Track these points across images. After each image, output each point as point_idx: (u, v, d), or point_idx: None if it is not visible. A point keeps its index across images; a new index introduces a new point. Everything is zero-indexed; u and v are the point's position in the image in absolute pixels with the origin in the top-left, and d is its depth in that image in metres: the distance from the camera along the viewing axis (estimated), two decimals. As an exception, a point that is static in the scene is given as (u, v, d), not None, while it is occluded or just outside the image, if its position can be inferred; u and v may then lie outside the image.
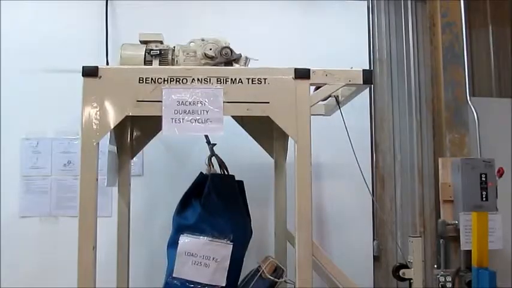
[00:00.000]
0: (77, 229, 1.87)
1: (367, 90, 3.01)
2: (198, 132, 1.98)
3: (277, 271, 2.17)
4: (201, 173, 2.35)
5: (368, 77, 1.98)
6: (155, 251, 2.79)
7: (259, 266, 2.21)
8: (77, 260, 1.86)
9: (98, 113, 1.89)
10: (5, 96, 2.96)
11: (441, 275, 2.67)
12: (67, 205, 2.91)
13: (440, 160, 2.85)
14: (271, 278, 2.14)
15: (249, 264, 2.33)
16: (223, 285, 2.16)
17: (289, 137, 2.55)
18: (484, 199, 2.68)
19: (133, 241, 2.61)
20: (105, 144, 2.41)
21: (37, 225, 2.93)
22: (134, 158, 2.72)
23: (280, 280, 2.15)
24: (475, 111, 2.95)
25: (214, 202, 2.23)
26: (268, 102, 1.92)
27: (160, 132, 2.50)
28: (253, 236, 2.44)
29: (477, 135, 2.92)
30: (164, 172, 2.95)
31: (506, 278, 2.82)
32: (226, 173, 2.44)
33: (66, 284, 2.70)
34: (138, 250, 2.75)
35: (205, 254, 2.16)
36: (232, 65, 2.09)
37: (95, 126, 1.89)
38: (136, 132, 2.61)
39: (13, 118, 2.95)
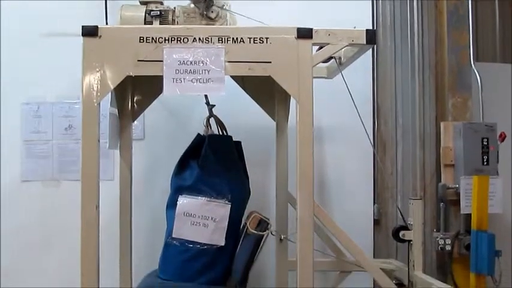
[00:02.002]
0: (79, 193, 1.89)
1: (370, 54, 3.00)
2: (200, 92, 1.98)
3: (262, 224, 2.17)
4: (199, 134, 2.35)
5: (371, 36, 1.96)
6: (156, 213, 2.80)
7: (245, 223, 2.23)
8: (80, 221, 1.88)
9: (98, 73, 1.88)
10: (5, 61, 2.94)
11: (440, 238, 2.70)
12: (69, 169, 2.92)
13: (442, 124, 2.84)
14: (255, 232, 2.14)
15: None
16: (222, 244, 2.18)
17: (291, 99, 2.59)
18: (485, 163, 2.69)
19: (135, 204, 2.63)
20: (106, 108, 2.42)
21: (39, 189, 2.94)
22: (135, 122, 2.72)
23: (265, 233, 2.15)
24: (479, 75, 2.93)
25: (212, 163, 2.24)
26: (270, 62, 1.90)
27: (161, 95, 2.54)
28: (254, 198, 2.46)
29: (480, 100, 2.90)
30: (165, 136, 2.95)
31: (505, 241, 2.85)
32: (224, 134, 2.44)
33: (69, 247, 2.77)
34: (139, 212, 2.78)
35: (203, 214, 2.18)
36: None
37: (95, 87, 1.89)
38: (137, 94, 2.61)
39: (13, 83, 2.94)
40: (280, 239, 2.12)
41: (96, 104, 1.89)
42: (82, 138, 1.89)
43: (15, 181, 2.93)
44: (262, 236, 2.16)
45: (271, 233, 2.22)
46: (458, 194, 2.68)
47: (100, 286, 1.91)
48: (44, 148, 2.95)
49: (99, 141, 1.90)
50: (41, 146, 2.95)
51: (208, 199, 2.19)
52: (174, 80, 1.88)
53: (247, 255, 2.15)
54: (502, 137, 2.72)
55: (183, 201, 2.21)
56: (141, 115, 2.84)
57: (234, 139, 2.44)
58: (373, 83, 3.05)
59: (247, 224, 2.19)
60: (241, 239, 2.22)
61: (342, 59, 2.33)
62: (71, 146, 2.94)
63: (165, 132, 2.96)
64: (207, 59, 1.89)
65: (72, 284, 2.50)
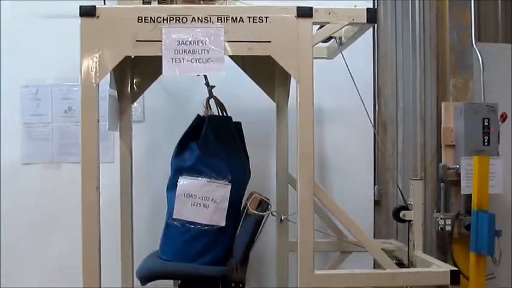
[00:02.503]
0: (80, 175, 1.89)
1: (371, 33, 2.98)
2: (199, 72, 1.97)
3: (262, 205, 2.18)
4: (198, 115, 2.35)
5: (372, 15, 1.95)
6: (157, 195, 2.81)
7: (245, 204, 2.23)
8: (80, 203, 1.89)
9: (97, 53, 1.87)
10: (3, 43, 2.92)
11: (441, 218, 2.70)
12: (69, 151, 2.92)
13: (443, 104, 2.82)
14: (256, 212, 2.15)
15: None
16: (223, 225, 2.20)
17: (291, 80, 2.57)
18: (485, 144, 2.68)
19: (135, 186, 2.64)
20: (106, 90, 2.41)
21: (40, 172, 2.95)
22: (135, 103, 2.71)
23: (265, 213, 2.16)
24: (480, 56, 2.90)
25: (212, 143, 2.24)
26: (270, 42, 1.89)
27: (160, 76, 2.53)
28: (254, 180, 2.46)
29: (481, 80, 2.88)
30: (165, 118, 2.94)
31: (505, 221, 2.85)
32: (224, 115, 2.44)
33: (69, 229, 2.78)
34: (140, 194, 2.78)
35: (204, 195, 2.18)
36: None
37: (94, 67, 1.88)
38: (136, 76, 2.59)
39: (11, 65, 2.92)
40: (281, 220, 2.12)
41: (95, 85, 1.88)
42: (81, 119, 1.89)
43: (15, 164, 2.93)
44: (263, 216, 2.17)
45: (272, 214, 2.22)
46: (458, 175, 2.68)
47: (101, 267, 1.92)
48: (44, 131, 2.94)
49: (98, 121, 1.89)
50: (41, 128, 2.94)
51: (209, 180, 2.20)
52: (173, 60, 1.87)
53: (247, 236, 2.16)
54: (503, 118, 2.71)
55: (183, 182, 2.21)
56: (141, 97, 2.83)
57: (234, 120, 2.43)
58: (374, 64, 3.03)
59: (248, 204, 2.20)
60: (242, 219, 2.22)
61: (343, 38, 2.31)
62: (71, 128, 2.93)
63: (165, 114, 2.95)
64: (206, 39, 1.88)
65: (73, 266, 2.53)
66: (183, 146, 2.32)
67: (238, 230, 2.20)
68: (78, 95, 1.90)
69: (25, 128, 2.94)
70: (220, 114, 2.48)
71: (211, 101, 2.47)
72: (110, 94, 2.44)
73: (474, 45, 2.91)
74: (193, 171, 2.21)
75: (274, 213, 2.19)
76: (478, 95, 2.87)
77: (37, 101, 2.94)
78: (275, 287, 2.71)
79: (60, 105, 2.95)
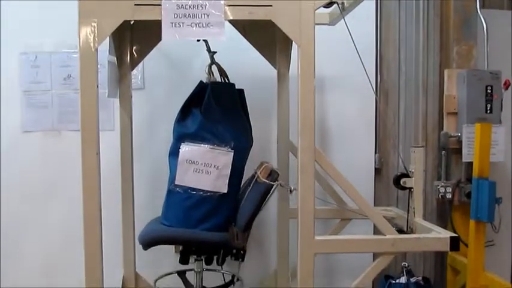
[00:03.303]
0: (80, 143, 1.88)
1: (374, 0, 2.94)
2: (199, 37, 1.94)
3: (272, 175, 2.18)
4: (201, 81, 2.32)
5: (375, -21, 1.91)
6: (158, 163, 2.81)
7: (255, 172, 2.23)
8: (81, 169, 1.88)
9: (95, 18, 1.84)
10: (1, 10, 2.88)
11: (441, 186, 2.70)
12: (69, 119, 2.91)
13: (446, 72, 2.79)
14: (267, 181, 2.15)
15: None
16: (225, 192, 2.20)
17: (292, 47, 2.54)
18: (488, 111, 2.66)
19: (136, 153, 2.63)
20: (105, 57, 2.38)
21: (40, 140, 2.94)
22: (134, 71, 2.68)
23: (275, 183, 2.16)
24: (485, 23, 2.86)
25: (215, 110, 2.22)
26: (271, 6, 1.86)
27: (160, 43, 2.50)
28: (256, 147, 2.45)
29: (485, 48, 2.84)
30: (165, 85, 2.92)
31: (505, 189, 2.86)
32: (226, 81, 2.41)
33: (70, 197, 2.79)
34: (141, 162, 2.79)
35: (206, 161, 2.18)
36: None
37: (92, 32, 1.85)
38: (136, 42, 2.56)
39: (9, 32, 2.88)
40: (290, 191, 2.12)
41: (93, 50, 1.86)
42: (80, 84, 1.86)
43: (15, 132, 2.92)
44: (272, 185, 2.17)
45: (281, 185, 2.22)
46: (460, 143, 2.67)
47: (102, 233, 1.93)
48: (44, 98, 2.92)
49: (97, 87, 1.87)
50: (40, 96, 2.92)
51: (211, 146, 2.19)
52: (173, 24, 1.84)
53: (254, 203, 2.17)
54: (507, 85, 2.69)
55: (185, 148, 2.20)
56: (141, 64, 2.81)
57: (236, 87, 2.41)
58: (376, 31, 2.99)
59: (258, 173, 2.19)
60: (250, 187, 2.22)
61: (345, 4, 2.28)
62: (71, 96, 2.91)
63: (165, 81, 2.92)
64: (206, 3, 1.84)
65: (74, 233, 2.55)
66: (185, 112, 2.30)
67: (244, 197, 2.19)
68: (78, 62, 1.88)
69: (24, 95, 2.92)
70: (223, 81, 2.45)
71: (214, 68, 2.43)
72: (109, 60, 2.41)
73: (478, 11, 2.86)
74: (196, 137, 2.20)
75: (283, 185, 2.19)
76: (481, 63, 2.83)
77: (36, 68, 2.91)
78: (276, 253, 2.73)
79: (60, 73, 2.92)
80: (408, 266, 2.34)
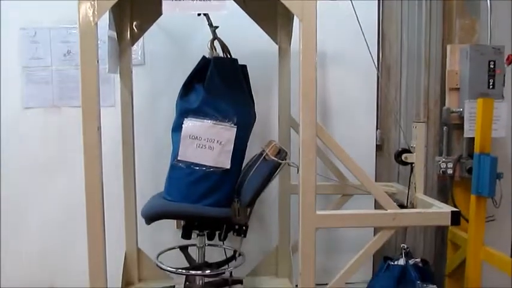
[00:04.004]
0: (81, 119, 1.87)
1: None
2: (200, 11, 1.92)
3: (281, 153, 2.18)
4: (204, 56, 2.30)
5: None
6: (159, 138, 2.82)
7: (263, 150, 2.23)
8: (82, 145, 1.88)
9: (95, -9, 1.82)
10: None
11: (442, 162, 2.70)
12: (70, 95, 2.90)
13: (448, 47, 2.76)
14: (275, 159, 2.15)
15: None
16: (228, 167, 2.20)
17: (294, 22, 2.52)
18: (490, 86, 2.65)
19: (137, 129, 2.63)
20: (105, 33, 2.36)
21: (41, 116, 2.93)
22: (134, 46, 2.67)
23: (283, 162, 2.17)
24: (488, -4, 2.83)
25: (218, 85, 2.21)
26: (273, -22, 1.84)
27: (160, 18, 2.48)
28: (257, 123, 2.44)
29: (488, 22, 2.81)
30: (166, 61, 2.89)
31: (506, 165, 2.86)
32: (229, 56, 2.39)
33: (71, 173, 2.80)
34: (142, 138, 2.79)
35: (209, 137, 2.18)
36: None
37: (92, 6, 1.84)
38: (136, 17, 2.55)
39: (9, 7, 2.85)
40: (298, 170, 2.12)
41: (93, 24, 1.85)
42: (80, 60, 1.86)
43: (16, 108, 2.91)
44: (280, 163, 2.17)
45: (289, 164, 2.22)
46: (462, 118, 2.66)
47: (104, 209, 1.94)
48: (44, 74, 2.91)
49: (98, 62, 1.86)
50: (41, 72, 2.90)
51: (214, 122, 2.18)
52: (173, -3, 1.82)
53: (260, 180, 2.17)
54: (510, 60, 2.66)
55: (188, 124, 2.20)
56: (141, 40, 2.80)
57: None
58: (379, 6, 2.95)
59: (267, 151, 2.19)
60: (257, 164, 2.21)
61: (347, -24, 2.25)
62: (71, 72, 2.89)
63: (165, 57, 2.90)
64: (207, -25, 1.82)
65: (76, 209, 2.56)
66: (188, 87, 2.29)
67: (250, 173, 2.19)
68: (77, 38, 1.86)
69: (24, 71, 2.91)
70: (225, 56, 2.43)
71: (216, 43, 2.41)
72: (109, 36, 2.39)
73: (482, -15, 2.82)
74: (199, 113, 2.19)
75: (291, 164, 2.19)
76: (484, 37, 2.81)
77: (35, 44, 2.89)
78: (277, 229, 2.75)
79: (59, 49, 2.89)
80: (407, 248, 2.36)
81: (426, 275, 2.28)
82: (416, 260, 2.35)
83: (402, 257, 2.33)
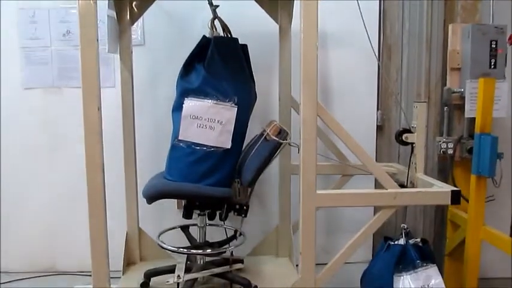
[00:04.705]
0: (81, 99, 1.87)
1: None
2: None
3: (282, 133, 2.18)
4: (204, 36, 2.28)
5: None
6: (160, 119, 2.82)
7: (264, 130, 2.22)
8: (83, 124, 1.88)
9: (94, -31, 1.80)
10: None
11: (443, 142, 2.70)
12: (70, 76, 2.89)
13: (450, 26, 2.74)
14: (276, 139, 2.15)
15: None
16: (229, 147, 2.20)
17: (295, 0, 2.50)
18: (492, 66, 2.63)
19: (137, 109, 2.63)
20: (104, 14, 2.34)
21: (41, 97, 2.93)
22: (134, 26, 2.64)
23: (284, 142, 2.17)
24: (490, -25, 2.80)
25: (218, 65, 2.20)
26: (273, -44, 1.82)
27: (160, -2, 2.46)
28: (257, 103, 2.44)
29: (491, 1, 2.78)
30: (166, 41, 2.87)
31: (506, 145, 2.86)
32: (229, 36, 2.38)
33: (71, 154, 2.81)
34: (142, 118, 2.79)
35: (210, 116, 2.17)
36: None
37: (91, -15, 1.82)
38: (135, -4, 2.52)
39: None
40: (298, 150, 2.11)
41: (93, 3, 1.83)
42: (80, 39, 1.85)
43: (16, 88, 2.91)
44: (281, 143, 2.17)
45: (290, 144, 2.22)
46: (463, 98, 2.65)
47: (105, 189, 1.94)
48: (43, 55, 2.89)
49: (98, 41, 1.85)
50: (40, 52, 2.89)
51: (215, 102, 2.18)
52: (173, -25, 1.80)
53: (261, 159, 2.17)
54: (512, 40, 2.65)
55: (189, 103, 2.19)
56: (141, 20, 2.79)
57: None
58: (381, -15, 2.93)
59: (268, 131, 2.19)
60: (258, 144, 2.21)
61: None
62: (71, 52, 2.88)
63: (165, 37, 2.88)
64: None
65: (76, 189, 2.58)
66: (188, 67, 2.27)
67: (251, 153, 2.19)
68: (77, 18, 1.85)
69: (23, 52, 2.89)
70: (225, 36, 2.41)
71: (216, 23, 2.39)
72: (109, 15, 2.38)
73: (484, -37, 2.79)
74: (199, 92, 2.19)
75: (292, 144, 2.19)
76: (486, 17, 2.78)
77: (34, 24, 2.87)
78: (277, 208, 2.76)
79: (58, 29, 2.88)
80: (407, 228, 2.37)
81: (426, 254, 2.29)
82: (416, 239, 2.36)
83: (402, 237, 2.34)
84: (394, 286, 2.23)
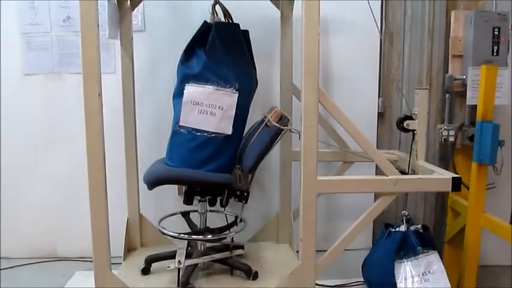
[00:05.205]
0: (82, 85, 1.85)
1: None
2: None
3: (283, 120, 2.18)
4: (205, 21, 2.26)
5: None
6: (160, 105, 2.81)
7: (265, 116, 2.22)
8: (83, 110, 1.87)
9: (94, -48, 1.78)
10: None
11: (444, 129, 2.69)
12: (70, 62, 2.88)
13: (452, 13, 2.72)
14: (277, 125, 2.15)
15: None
16: (230, 133, 2.20)
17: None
18: (494, 53, 2.61)
19: (138, 96, 2.62)
20: (105, 1, 2.33)
21: (42, 83, 2.92)
22: (134, 11, 2.63)
23: (285, 128, 2.16)
24: (494, -40, 2.77)
25: (219, 51, 2.19)
26: None
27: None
28: (259, 90, 2.43)
29: (494, -12, 2.77)
30: (166, 26, 2.86)
31: (507, 132, 2.85)
32: (230, 22, 2.36)
33: (72, 140, 2.81)
34: (143, 104, 2.78)
35: (210, 102, 2.17)
36: None
37: (91, -31, 1.80)
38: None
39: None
40: (299, 136, 2.10)
41: (93, -13, 1.82)
42: (80, 24, 1.83)
43: (16, 75, 2.90)
44: (282, 129, 2.17)
45: (290, 130, 2.21)
46: (464, 86, 2.64)
47: (106, 175, 1.94)
48: (43, 41, 2.88)
49: (98, 26, 1.84)
50: (40, 38, 2.88)
51: (216, 87, 2.17)
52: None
53: (262, 146, 2.17)
54: (515, 27, 2.63)
55: (190, 89, 2.19)
56: (141, 6, 2.77)
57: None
58: (382, -30, 2.91)
59: (269, 117, 2.19)
60: (258, 131, 2.21)
61: None
62: (71, 38, 2.87)
63: (166, 23, 2.87)
64: None
65: (77, 175, 2.58)
66: (189, 53, 2.26)
67: (252, 139, 2.19)
68: (77, 3, 1.83)
69: (23, 38, 2.88)
70: (226, 21, 2.40)
71: (217, 8, 2.37)
72: (109, 0, 2.36)
73: (488, -52, 2.76)
74: (200, 78, 2.18)
75: (293, 130, 2.18)
76: (489, 4, 2.76)
77: (34, 9, 2.86)
78: (278, 195, 2.77)
79: (58, 14, 2.86)
80: (408, 215, 2.37)
81: (427, 241, 2.30)
82: (417, 226, 2.37)
83: (403, 223, 2.35)
84: (395, 272, 2.24)
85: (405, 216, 2.35)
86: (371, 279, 2.40)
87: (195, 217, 2.49)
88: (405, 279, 2.24)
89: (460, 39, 2.69)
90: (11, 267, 2.90)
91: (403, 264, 2.27)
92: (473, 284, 2.46)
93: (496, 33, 2.61)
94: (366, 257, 2.44)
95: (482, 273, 2.62)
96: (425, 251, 2.26)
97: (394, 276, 2.24)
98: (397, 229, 2.35)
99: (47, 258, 3.00)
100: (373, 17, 2.30)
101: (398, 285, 2.22)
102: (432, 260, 2.25)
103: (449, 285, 2.21)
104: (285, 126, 2.17)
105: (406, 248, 2.28)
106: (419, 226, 2.36)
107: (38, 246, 3.02)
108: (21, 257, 2.98)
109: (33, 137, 2.94)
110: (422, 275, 2.23)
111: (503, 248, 2.81)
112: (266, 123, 2.18)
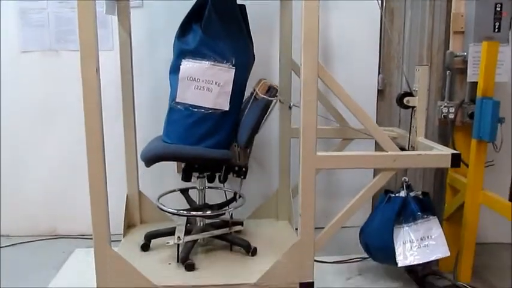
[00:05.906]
0: (79, 60, 1.83)
1: None
2: None
3: (271, 91, 2.17)
4: (201, -5, 2.24)
5: None
6: (158, 82, 2.79)
7: (253, 89, 2.21)
8: (81, 86, 1.85)
9: None
10: None
11: (444, 106, 2.68)
12: (67, 39, 2.86)
13: (454, -12, 2.70)
14: (265, 97, 2.14)
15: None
16: (227, 109, 2.19)
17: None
18: (496, 30, 2.58)
19: (136, 72, 2.60)
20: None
21: (39, 60, 2.90)
22: (132, -14, 2.60)
23: (274, 99, 2.15)
24: None
25: (216, 26, 2.16)
26: None
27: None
28: (257, 66, 2.41)
29: (497, -38, 2.72)
30: (164, 2, 2.82)
31: (507, 110, 2.84)
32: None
33: (70, 117, 2.80)
34: (141, 81, 2.76)
35: (207, 78, 2.15)
36: None
37: None
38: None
39: None
40: (290, 107, 2.09)
41: (89, -40, 1.78)
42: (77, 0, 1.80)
43: (14, 52, 2.88)
44: (271, 101, 2.16)
45: (280, 101, 2.20)
46: (465, 63, 2.61)
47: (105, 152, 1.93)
48: (40, 17, 2.85)
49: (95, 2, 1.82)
50: (36, 15, 2.84)
51: (212, 63, 2.15)
52: None
53: (254, 120, 2.16)
54: (517, 2, 2.60)
55: (186, 65, 2.17)
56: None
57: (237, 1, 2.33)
58: None
59: (257, 89, 2.17)
60: (249, 104, 2.20)
61: None
62: (68, 14, 2.84)
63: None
64: None
65: (77, 153, 2.56)
66: (185, 28, 2.24)
67: (244, 114, 2.18)
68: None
69: (20, 14, 2.84)
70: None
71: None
72: (106, -25, 2.33)
73: None
74: (197, 54, 2.16)
75: (282, 100, 2.17)
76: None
77: (30, -15, 2.83)
78: (277, 172, 2.77)
79: (55, -10, 2.84)
80: (408, 181, 2.37)
81: (427, 206, 2.31)
82: (417, 192, 2.37)
83: (403, 189, 2.35)
84: (394, 237, 2.25)
85: (405, 182, 2.35)
86: (369, 244, 2.41)
87: (194, 194, 2.49)
88: (404, 243, 2.25)
89: (462, 15, 2.65)
90: (11, 244, 2.91)
91: (402, 229, 2.28)
92: (471, 261, 2.47)
93: (498, 9, 2.57)
94: (363, 224, 2.45)
95: (480, 251, 2.63)
96: (425, 216, 2.27)
97: (392, 241, 2.25)
98: (396, 195, 2.36)
99: (48, 236, 3.01)
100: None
101: (396, 250, 2.23)
102: (432, 226, 2.27)
103: (447, 249, 2.22)
104: (273, 97, 2.15)
105: (406, 213, 2.29)
106: (419, 192, 2.36)
107: (38, 224, 3.03)
108: (21, 234, 3.00)
109: (32, 115, 2.93)
110: (421, 239, 2.24)
111: (501, 225, 2.81)
112: (255, 96, 2.17)
